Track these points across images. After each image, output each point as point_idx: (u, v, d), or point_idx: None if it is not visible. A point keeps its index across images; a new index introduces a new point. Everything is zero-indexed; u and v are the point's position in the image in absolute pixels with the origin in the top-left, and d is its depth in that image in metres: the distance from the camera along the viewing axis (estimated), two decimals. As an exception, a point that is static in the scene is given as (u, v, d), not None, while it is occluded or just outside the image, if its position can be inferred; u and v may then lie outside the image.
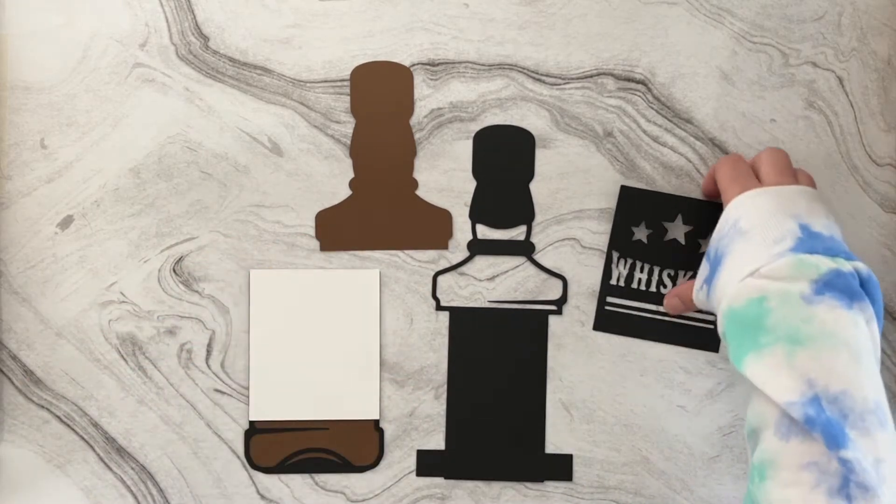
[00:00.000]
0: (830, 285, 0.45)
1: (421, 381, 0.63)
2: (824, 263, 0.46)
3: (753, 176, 0.52)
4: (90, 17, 0.61)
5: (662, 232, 0.58)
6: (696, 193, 0.63)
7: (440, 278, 0.63)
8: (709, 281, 0.51)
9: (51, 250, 0.61)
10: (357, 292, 0.62)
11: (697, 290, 0.54)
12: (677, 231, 0.58)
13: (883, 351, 0.64)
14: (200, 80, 0.61)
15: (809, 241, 0.47)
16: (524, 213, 0.63)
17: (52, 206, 0.61)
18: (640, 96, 0.63)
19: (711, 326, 0.61)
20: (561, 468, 0.62)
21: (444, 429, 0.63)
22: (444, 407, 0.63)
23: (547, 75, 0.62)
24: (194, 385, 0.62)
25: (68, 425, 0.62)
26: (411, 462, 0.63)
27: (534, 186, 0.63)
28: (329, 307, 0.62)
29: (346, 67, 0.62)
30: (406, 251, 0.63)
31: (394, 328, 0.62)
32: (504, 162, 0.63)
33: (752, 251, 0.47)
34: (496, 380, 0.62)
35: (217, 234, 0.62)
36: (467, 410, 0.62)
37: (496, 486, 0.63)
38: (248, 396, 0.62)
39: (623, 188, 0.57)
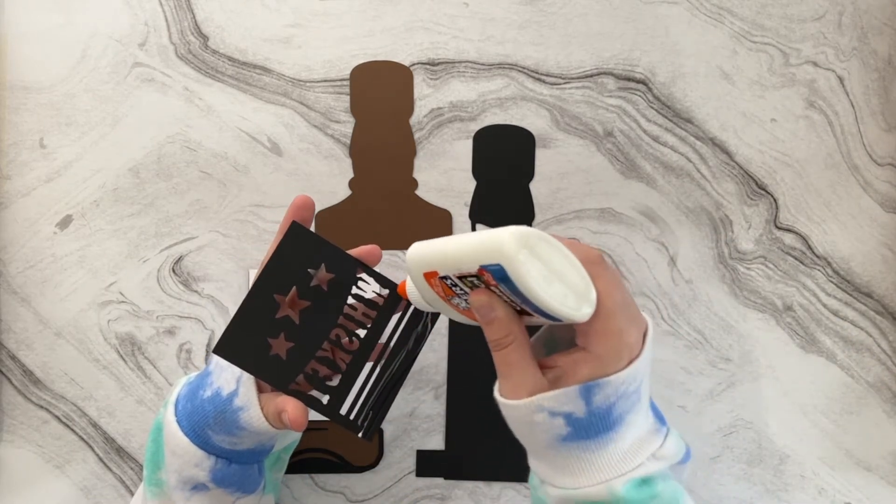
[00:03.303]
0: (688, 455, 0.43)
1: (421, 382, 0.63)
2: (677, 435, 0.42)
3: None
4: (89, 17, 0.61)
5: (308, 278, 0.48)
6: (697, 193, 0.63)
7: (440, 278, 0.63)
8: (584, 436, 0.38)
9: (50, 250, 0.61)
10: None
11: (538, 411, 0.38)
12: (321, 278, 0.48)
13: (883, 351, 0.64)
14: (200, 80, 0.61)
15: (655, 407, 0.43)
16: (524, 213, 0.63)
17: (52, 205, 0.61)
18: (640, 96, 0.63)
19: None
20: (561, 468, 0.62)
21: (444, 429, 0.63)
22: (444, 407, 0.63)
23: (547, 75, 0.62)
24: (194, 385, 0.62)
25: (67, 425, 0.62)
26: (411, 462, 0.63)
27: (534, 186, 0.63)
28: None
29: (346, 67, 0.62)
30: (406, 251, 0.62)
31: (394, 328, 0.62)
32: (504, 162, 0.63)
33: (646, 426, 0.40)
34: (496, 380, 0.62)
35: (216, 233, 0.62)
36: (467, 410, 0.62)
37: (496, 487, 0.63)
38: (247, 396, 0.62)
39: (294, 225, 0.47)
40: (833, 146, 0.63)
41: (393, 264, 0.62)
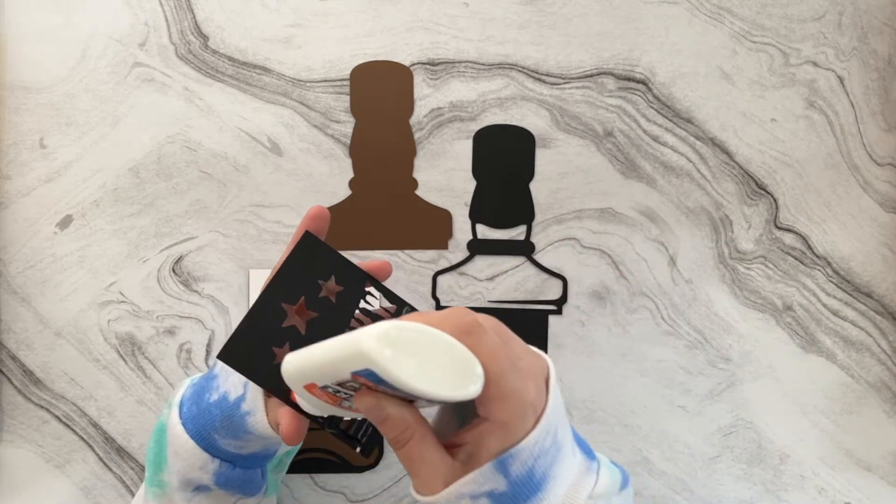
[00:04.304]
0: (626, 481, 0.42)
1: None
2: (607, 463, 0.41)
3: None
4: (89, 17, 0.61)
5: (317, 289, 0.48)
6: (697, 193, 0.63)
7: (440, 278, 0.63)
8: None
9: (50, 250, 0.61)
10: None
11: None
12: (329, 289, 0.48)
13: (883, 351, 0.64)
14: (200, 80, 0.61)
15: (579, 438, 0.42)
16: (524, 213, 0.63)
17: (52, 205, 0.61)
18: (640, 96, 0.63)
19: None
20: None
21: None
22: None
23: (547, 75, 0.62)
24: (194, 385, 0.62)
25: (68, 425, 0.62)
26: (411, 462, 0.63)
27: (534, 186, 0.63)
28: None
29: (346, 67, 0.62)
30: (406, 251, 0.63)
31: (394, 328, 0.62)
32: (504, 162, 0.63)
33: (574, 468, 0.39)
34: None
35: (216, 233, 0.62)
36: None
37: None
38: (247, 396, 0.62)
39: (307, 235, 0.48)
40: (833, 146, 0.63)
41: (393, 264, 0.62)
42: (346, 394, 0.37)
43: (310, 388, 0.37)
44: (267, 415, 0.45)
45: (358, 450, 0.47)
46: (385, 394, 0.35)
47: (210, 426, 0.46)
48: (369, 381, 0.34)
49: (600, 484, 0.38)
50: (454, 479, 0.36)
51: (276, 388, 0.45)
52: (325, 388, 0.36)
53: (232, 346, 0.45)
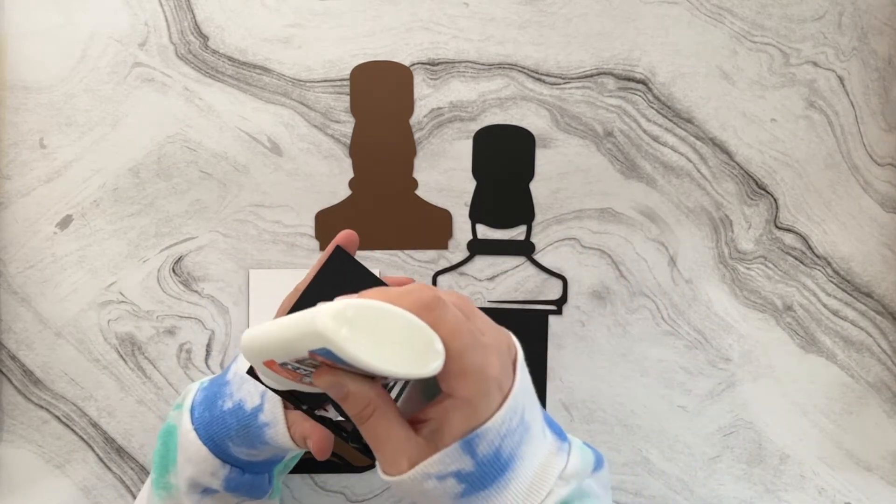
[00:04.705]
0: (600, 462, 0.42)
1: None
2: (579, 444, 0.41)
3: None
4: (89, 17, 0.61)
5: None
6: (697, 193, 0.63)
7: (440, 278, 0.63)
8: (480, 486, 0.36)
9: (50, 250, 0.61)
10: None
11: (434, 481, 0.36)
12: None
13: (883, 351, 0.64)
14: (200, 80, 0.61)
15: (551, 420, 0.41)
16: (524, 213, 0.63)
17: (52, 205, 0.61)
18: (640, 96, 0.63)
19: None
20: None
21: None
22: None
23: (547, 75, 0.62)
24: (194, 385, 0.62)
25: (67, 425, 0.62)
26: (411, 462, 0.63)
27: (534, 186, 0.63)
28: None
29: (346, 67, 0.62)
30: (406, 251, 0.63)
31: (394, 328, 0.62)
32: (504, 162, 0.63)
33: (544, 449, 0.38)
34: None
35: (216, 233, 0.62)
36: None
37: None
38: (247, 396, 0.62)
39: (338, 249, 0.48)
40: (833, 146, 0.63)
41: (393, 264, 0.62)
42: (305, 370, 0.36)
43: (269, 364, 0.36)
44: (289, 427, 0.45)
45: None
46: (344, 370, 0.35)
47: (224, 434, 0.46)
48: (326, 360, 0.33)
49: (571, 464, 0.38)
50: (418, 455, 0.35)
51: (303, 404, 0.45)
52: (284, 365, 0.36)
53: None
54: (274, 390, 0.45)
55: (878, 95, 0.63)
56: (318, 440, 0.44)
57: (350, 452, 0.50)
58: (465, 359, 0.34)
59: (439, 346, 0.34)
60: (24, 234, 0.61)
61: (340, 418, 0.46)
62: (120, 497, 0.62)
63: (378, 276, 0.47)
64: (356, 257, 0.48)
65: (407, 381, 0.38)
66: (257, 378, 0.44)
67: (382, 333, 0.32)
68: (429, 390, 0.40)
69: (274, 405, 0.45)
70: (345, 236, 0.48)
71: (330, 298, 0.46)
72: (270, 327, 0.34)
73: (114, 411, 0.62)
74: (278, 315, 0.47)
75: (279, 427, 0.45)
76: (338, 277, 0.46)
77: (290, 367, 0.36)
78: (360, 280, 0.46)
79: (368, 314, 0.32)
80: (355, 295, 0.36)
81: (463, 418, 0.35)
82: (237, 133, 0.62)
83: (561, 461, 0.38)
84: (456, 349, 0.34)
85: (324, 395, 0.46)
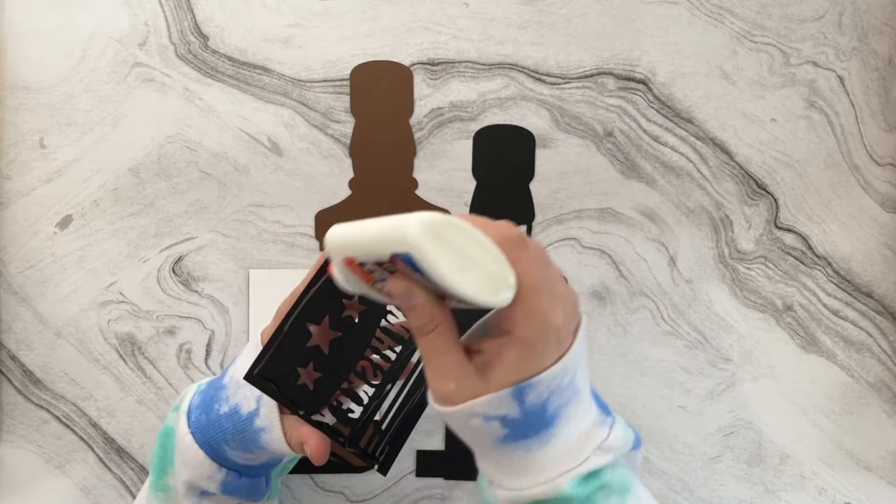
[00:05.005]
0: (638, 442, 0.42)
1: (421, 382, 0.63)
2: (623, 423, 0.41)
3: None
4: (89, 17, 0.61)
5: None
6: (697, 193, 0.63)
7: (440, 278, 0.62)
8: (523, 435, 0.37)
9: (50, 250, 0.61)
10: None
11: (482, 419, 0.37)
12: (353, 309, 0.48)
13: (883, 351, 0.64)
14: (200, 80, 0.61)
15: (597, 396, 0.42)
16: (524, 213, 0.63)
17: (52, 205, 0.61)
18: (640, 96, 0.63)
19: None
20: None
21: (444, 429, 0.63)
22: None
23: (547, 75, 0.62)
24: (194, 385, 0.62)
25: (67, 425, 0.62)
26: (411, 462, 0.63)
27: (534, 186, 0.63)
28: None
29: (346, 67, 0.62)
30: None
31: (394, 328, 0.62)
32: (504, 162, 0.63)
33: (588, 418, 0.39)
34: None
35: (216, 233, 0.62)
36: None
37: (496, 487, 0.63)
38: (247, 396, 0.62)
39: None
40: (833, 146, 0.63)
41: (393, 264, 0.62)
42: (381, 275, 0.37)
43: (349, 262, 0.37)
44: (285, 433, 0.45)
45: (376, 468, 0.47)
46: (418, 282, 0.36)
47: (220, 438, 0.46)
48: (406, 267, 0.34)
49: (612, 437, 0.39)
50: (465, 381, 0.36)
51: (299, 409, 0.45)
52: (362, 265, 0.37)
53: (259, 367, 0.45)
54: (276, 397, 0.45)
55: (878, 95, 0.63)
56: (316, 446, 0.44)
57: (348, 453, 0.50)
58: (532, 300, 0.35)
59: (512, 280, 0.35)
60: (24, 234, 0.61)
61: (337, 423, 0.46)
62: (120, 497, 0.62)
63: None
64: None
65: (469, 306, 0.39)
66: (254, 383, 0.45)
67: (463, 254, 0.34)
68: (488, 326, 0.41)
69: (270, 410, 0.45)
70: None
71: (327, 303, 0.46)
72: (361, 224, 0.36)
73: (114, 411, 0.62)
74: (276, 319, 0.47)
75: (275, 432, 0.45)
76: (332, 281, 0.46)
77: (367, 268, 0.37)
78: None
79: (456, 233, 0.33)
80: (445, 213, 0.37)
81: (516, 357, 0.36)
82: (237, 133, 0.62)
83: (602, 432, 0.39)
84: (527, 288, 0.35)
85: (321, 400, 0.46)
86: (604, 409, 0.41)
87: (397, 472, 0.63)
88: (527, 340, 0.36)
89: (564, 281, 0.38)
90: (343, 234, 0.37)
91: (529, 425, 0.37)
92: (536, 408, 0.36)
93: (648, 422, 0.63)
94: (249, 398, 0.46)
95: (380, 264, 0.36)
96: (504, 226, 0.36)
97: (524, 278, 0.35)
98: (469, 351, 0.38)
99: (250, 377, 0.44)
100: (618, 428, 0.40)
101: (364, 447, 0.47)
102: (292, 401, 0.45)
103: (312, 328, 0.46)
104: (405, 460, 0.63)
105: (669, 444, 0.63)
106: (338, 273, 0.39)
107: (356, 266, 0.37)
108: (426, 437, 0.63)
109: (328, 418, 0.46)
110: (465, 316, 0.39)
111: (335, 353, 0.46)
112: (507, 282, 0.35)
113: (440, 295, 0.36)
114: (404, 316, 0.38)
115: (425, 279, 0.34)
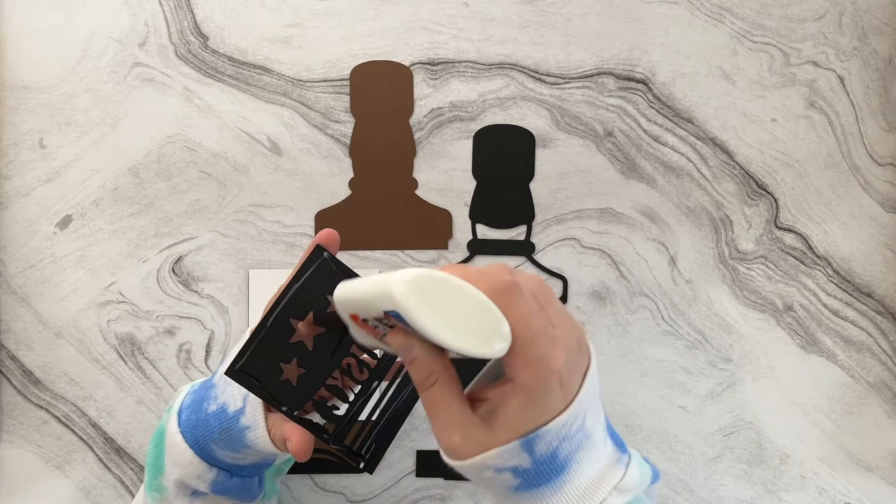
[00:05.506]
0: (656, 478, 0.42)
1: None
2: (639, 458, 0.41)
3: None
4: (89, 17, 0.61)
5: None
6: (697, 193, 0.63)
7: (440, 278, 0.62)
8: (535, 484, 0.37)
9: (49, 250, 0.61)
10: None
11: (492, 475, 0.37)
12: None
13: (883, 351, 0.64)
14: (200, 80, 0.61)
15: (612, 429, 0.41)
16: (524, 213, 0.63)
17: (51, 205, 0.61)
18: (640, 96, 0.62)
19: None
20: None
21: (443, 429, 0.63)
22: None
23: (547, 75, 0.62)
24: (194, 385, 0.62)
25: (67, 426, 0.62)
26: (411, 462, 0.63)
27: (534, 186, 0.63)
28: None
29: (346, 67, 0.62)
30: (406, 251, 0.62)
31: (393, 328, 0.62)
32: (504, 162, 0.62)
33: (603, 458, 0.38)
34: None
35: (216, 233, 0.62)
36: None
37: (496, 487, 0.63)
38: (247, 397, 0.62)
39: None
40: (833, 146, 0.63)
41: (393, 264, 0.62)
42: (384, 329, 0.38)
43: (354, 318, 0.38)
44: (269, 430, 0.45)
45: (362, 466, 0.46)
46: (416, 336, 0.36)
47: (208, 437, 0.46)
48: (399, 322, 0.35)
49: (629, 477, 0.38)
50: (470, 432, 0.36)
51: (282, 405, 0.45)
52: (366, 321, 0.37)
53: (240, 362, 0.44)
54: (258, 393, 0.45)
55: (878, 95, 0.63)
56: (298, 441, 0.44)
57: (335, 451, 0.50)
58: (530, 347, 0.35)
59: (506, 330, 0.34)
60: (24, 234, 0.61)
61: (322, 420, 0.46)
62: (119, 497, 0.62)
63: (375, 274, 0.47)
64: (354, 257, 0.48)
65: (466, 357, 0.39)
66: (235, 378, 0.44)
67: (451, 308, 0.34)
68: (494, 372, 0.41)
69: (255, 408, 0.45)
70: (325, 235, 0.48)
71: (311, 299, 0.46)
72: (358, 283, 0.37)
73: (113, 411, 0.62)
74: (263, 314, 0.47)
75: (259, 430, 0.45)
76: (318, 277, 0.46)
77: (371, 323, 0.37)
78: (341, 277, 0.46)
79: (442, 287, 0.34)
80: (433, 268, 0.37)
81: (519, 405, 0.35)
82: (237, 133, 0.62)
83: (619, 472, 0.38)
84: (522, 336, 0.34)
85: (304, 397, 0.46)
86: (620, 446, 0.40)
87: (397, 472, 0.63)
88: (528, 388, 0.35)
89: (569, 318, 0.38)
90: (345, 292, 0.38)
91: (541, 474, 0.36)
92: (547, 457, 0.36)
93: (648, 422, 0.63)
94: (237, 396, 0.46)
95: (379, 320, 0.36)
96: (495, 273, 0.35)
97: (519, 326, 0.34)
98: (474, 399, 0.38)
99: (231, 372, 0.44)
100: (634, 465, 0.39)
101: (349, 444, 0.46)
102: (274, 396, 0.45)
103: (296, 323, 0.46)
104: (405, 460, 0.63)
105: (669, 444, 0.63)
106: (351, 329, 0.41)
107: (361, 322, 0.38)
108: (426, 437, 0.63)
109: (312, 415, 0.46)
110: (473, 362, 0.39)
111: (320, 350, 0.46)
112: (500, 332, 0.34)
113: (440, 346, 0.36)
114: (408, 369, 0.38)
115: (419, 332, 0.34)
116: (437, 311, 0.33)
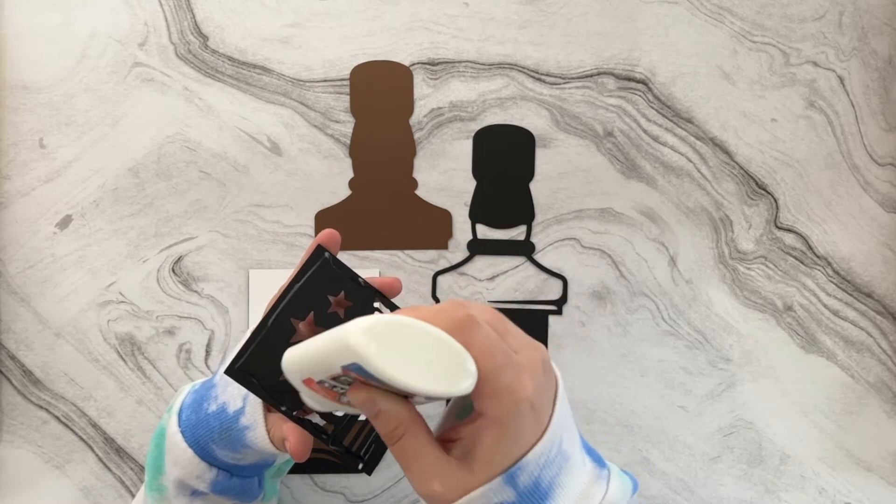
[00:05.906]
0: (635, 488, 0.42)
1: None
2: (617, 471, 0.41)
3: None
4: (89, 17, 0.61)
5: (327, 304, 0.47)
6: (697, 193, 0.63)
7: (440, 278, 0.62)
8: None
9: (49, 250, 0.61)
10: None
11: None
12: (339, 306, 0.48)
13: (883, 351, 0.64)
14: (199, 80, 0.61)
15: (588, 447, 0.41)
16: (524, 213, 0.63)
17: (51, 205, 0.61)
18: (640, 96, 0.63)
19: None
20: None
21: (443, 429, 0.63)
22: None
23: (547, 74, 0.62)
24: (193, 385, 0.62)
25: (67, 426, 0.62)
26: (411, 462, 0.63)
27: (534, 186, 0.63)
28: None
29: (346, 67, 0.62)
30: (406, 251, 0.62)
31: (393, 328, 0.62)
32: (504, 162, 0.62)
33: (584, 477, 0.38)
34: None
35: (216, 233, 0.62)
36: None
37: (496, 487, 0.63)
38: (247, 397, 0.62)
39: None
40: (833, 146, 0.63)
41: (393, 264, 0.62)
42: (342, 388, 0.36)
43: (308, 383, 0.37)
44: (268, 430, 0.45)
45: (360, 467, 0.46)
46: (378, 388, 0.35)
47: (208, 437, 0.46)
48: (359, 376, 0.33)
49: (611, 492, 0.38)
50: (449, 476, 0.35)
51: (280, 405, 0.45)
52: (321, 383, 0.36)
53: (239, 361, 0.44)
54: (258, 392, 0.45)
55: (878, 95, 0.63)
56: (295, 441, 0.44)
57: (335, 452, 0.50)
58: (496, 379, 0.34)
59: (471, 366, 0.34)
60: (24, 234, 0.61)
61: (321, 421, 0.46)
62: (120, 497, 0.62)
63: (374, 275, 0.47)
64: (354, 257, 0.48)
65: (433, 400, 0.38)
66: (234, 377, 0.44)
67: (413, 350, 0.32)
68: (463, 408, 0.40)
69: (254, 408, 0.45)
70: (326, 235, 0.48)
71: (312, 299, 0.46)
72: (306, 344, 0.35)
73: (113, 411, 0.62)
74: (264, 314, 0.47)
75: (258, 430, 0.45)
76: (319, 277, 0.46)
77: (327, 385, 0.36)
78: (342, 279, 0.46)
79: (399, 330, 0.32)
80: (386, 313, 0.36)
81: (494, 440, 0.35)
82: (237, 133, 0.62)
83: (601, 489, 0.38)
84: (487, 369, 0.34)
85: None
86: (598, 461, 0.40)
87: (397, 472, 0.63)
88: (500, 420, 0.35)
89: (529, 342, 0.37)
90: (294, 357, 0.36)
91: None
92: (530, 487, 0.36)
93: (648, 422, 0.63)
94: (237, 396, 0.46)
95: (335, 378, 0.35)
96: (450, 310, 0.35)
97: (482, 360, 0.34)
98: (446, 440, 0.37)
99: (231, 371, 0.44)
100: (614, 479, 0.39)
101: (348, 445, 0.46)
102: (274, 396, 0.45)
103: (297, 324, 0.46)
104: (405, 460, 0.63)
105: (669, 444, 0.63)
106: (304, 397, 0.39)
107: (316, 386, 0.36)
108: (426, 437, 0.63)
109: (312, 415, 0.46)
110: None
111: None
112: (466, 369, 0.33)
113: (404, 394, 0.35)
114: (373, 424, 0.37)
115: (381, 383, 0.33)
116: (399, 356, 0.32)
